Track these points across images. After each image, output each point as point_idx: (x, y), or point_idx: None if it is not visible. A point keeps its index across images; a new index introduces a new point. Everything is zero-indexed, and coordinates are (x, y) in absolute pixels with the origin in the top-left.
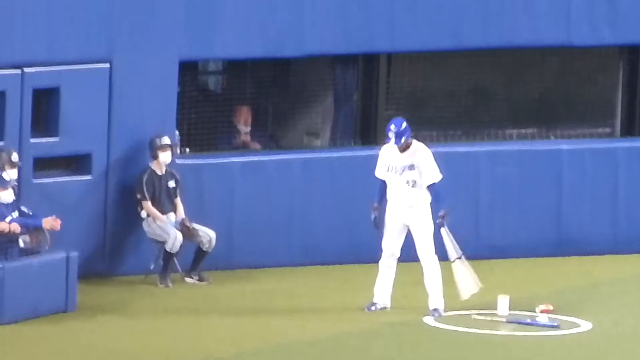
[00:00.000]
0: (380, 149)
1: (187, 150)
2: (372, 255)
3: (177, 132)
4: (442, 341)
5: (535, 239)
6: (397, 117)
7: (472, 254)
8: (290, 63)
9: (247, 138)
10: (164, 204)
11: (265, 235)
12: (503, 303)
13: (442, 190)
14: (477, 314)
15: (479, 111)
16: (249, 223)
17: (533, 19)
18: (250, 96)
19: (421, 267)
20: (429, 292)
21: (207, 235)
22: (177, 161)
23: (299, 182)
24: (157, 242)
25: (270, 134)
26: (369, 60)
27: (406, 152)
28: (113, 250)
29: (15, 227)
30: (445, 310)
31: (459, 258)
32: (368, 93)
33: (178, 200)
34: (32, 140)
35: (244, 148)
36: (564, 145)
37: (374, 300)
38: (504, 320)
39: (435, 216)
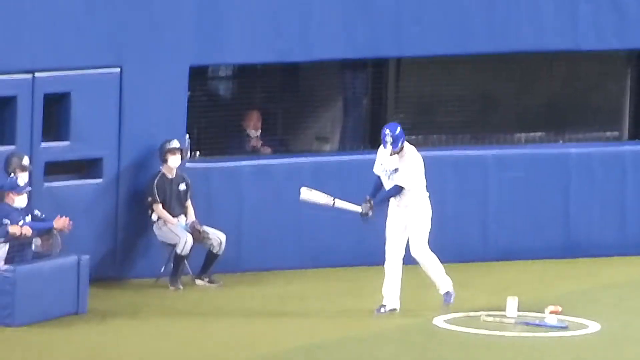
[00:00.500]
0: None
1: (197, 154)
2: (381, 258)
3: (187, 137)
4: (452, 343)
5: (543, 242)
6: (390, 122)
7: (480, 257)
8: (300, 68)
9: (257, 143)
10: (175, 207)
11: (275, 238)
12: (512, 305)
13: (393, 195)
14: (486, 316)
15: (488, 116)
16: (258, 226)
17: (541, 25)
18: (260, 101)
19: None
20: (432, 280)
21: (218, 238)
22: (188, 165)
23: (309, 186)
24: (168, 245)
25: (280, 139)
26: (378, 65)
27: (395, 156)
28: (124, 254)
29: (27, 230)
30: (451, 313)
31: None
32: (377, 98)
33: (189, 203)
34: (43, 145)
35: (253, 152)
36: (572, 149)
37: (383, 303)
38: (513, 321)
39: (379, 201)
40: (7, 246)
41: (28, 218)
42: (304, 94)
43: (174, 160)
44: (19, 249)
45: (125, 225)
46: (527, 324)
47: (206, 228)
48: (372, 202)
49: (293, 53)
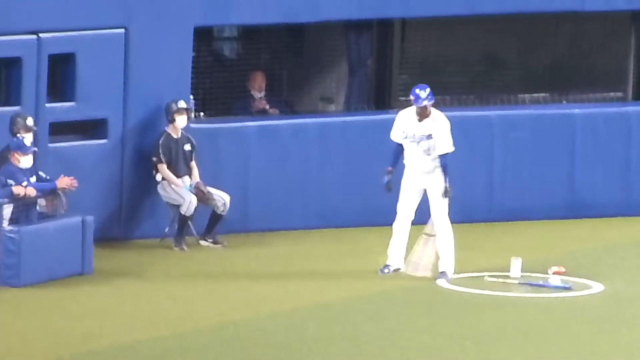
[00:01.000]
0: (395, 113)
1: (202, 115)
2: (386, 219)
3: (192, 97)
4: (455, 303)
5: (547, 202)
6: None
7: (485, 217)
8: (305, 29)
9: (262, 103)
10: (180, 167)
11: (280, 199)
12: (516, 265)
13: (450, 164)
14: (489, 276)
15: (492, 76)
16: (264, 187)
17: None
18: (264, 62)
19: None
20: (440, 254)
21: (222, 198)
22: (192, 126)
23: (314, 147)
24: (172, 205)
25: (285, 99)
26: (383, 26)
27: (425, 121)
28: (129, 214)
29: (31, 191)
30: (455, 274)
31: (430, 236)
32: (382, 58)
33: (193, 164)
34: (48, 106)
35: (258, 113)
36: (577, 110)
37: (388, 263)
38: (517, 282)
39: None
40: (11, 207)
41: (33, 179)
42: (309, 55)
43: (181, 121)
44: (23, 210)
45: (130, 185)
46: (531, 284)
47: (210, 189)
48: (393, 172)
49: (298, 14)
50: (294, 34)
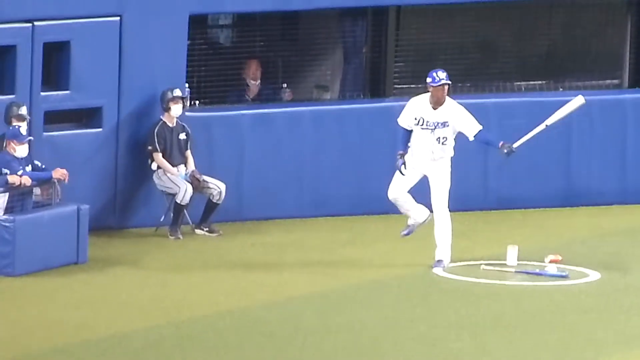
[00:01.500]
0: (390, 101)
1: (197, 103)
2: (381, 207)
3: (187, 86)
4: (451, 292)
5: (544, 190)
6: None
7: (481, 205)
8: (300, 16)
9: (257, 91)
10: (175, 156)
11: (275, 187)
12: (512, 253)
13: (488, 134)
14: (486, 265)
15: (488, 64)
16: (258, 175)
17: None
18: (259, 50)
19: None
20: (437, 242)
21: (217, 187)
22: (187, 114)
23: (309, 135)
24: (168, 194)
25: (280, 87)
26: (378, 13)
27: (440, 109)
28: (124, 203)
29: (26, 180)
30: (451, 262)
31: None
32: (377, 46)
33: (188, 153)
34: (43, 94)
35: (253, 101)
36: (572, 97)
37: (408, 223)
38: (513, 270)
39: (496, 149)
40: (6, 196)
41: (28, 168)
42: (304, 43)
43: (176, 109)
44: (18, 199)
45: (125, 174)
46: (527, 273)
47: (206, 177)
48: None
49: (292, 1)
50: (289, 22)
